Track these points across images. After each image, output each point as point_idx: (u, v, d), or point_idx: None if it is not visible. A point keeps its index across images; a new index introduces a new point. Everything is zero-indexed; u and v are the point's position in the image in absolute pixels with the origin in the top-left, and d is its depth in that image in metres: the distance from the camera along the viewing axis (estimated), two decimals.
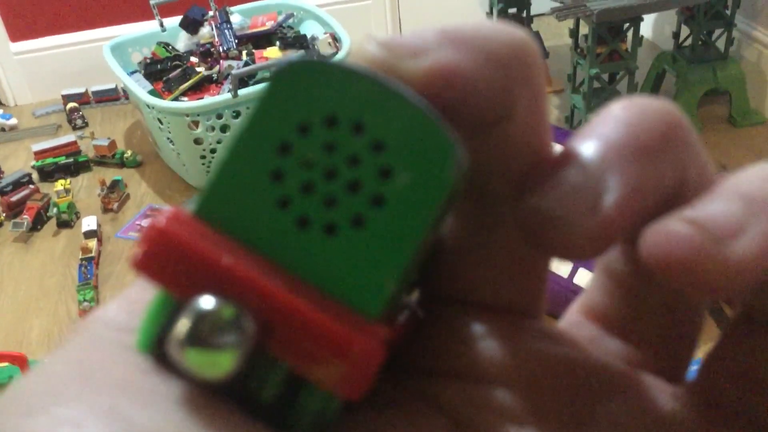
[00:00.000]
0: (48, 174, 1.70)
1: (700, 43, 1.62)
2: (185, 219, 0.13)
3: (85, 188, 1.67)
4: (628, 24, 1.42)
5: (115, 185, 1.61)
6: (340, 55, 1.56)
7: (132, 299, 0.14)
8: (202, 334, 0.12)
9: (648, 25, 1.91)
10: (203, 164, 1.54)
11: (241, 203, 0.13)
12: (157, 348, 0.13)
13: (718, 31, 1.61)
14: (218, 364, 0.12)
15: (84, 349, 0.13)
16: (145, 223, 1.53)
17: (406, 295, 0.15)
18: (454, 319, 0.15)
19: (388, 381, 0.15)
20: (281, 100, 0.13)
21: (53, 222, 1.56)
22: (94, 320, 0.14)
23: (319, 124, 0.13)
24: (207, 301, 0.12)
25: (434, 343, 0.15)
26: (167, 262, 0.13)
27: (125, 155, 1.72)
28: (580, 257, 0.14)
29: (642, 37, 1.43)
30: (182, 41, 1.75)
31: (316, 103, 0.13)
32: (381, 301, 0.13)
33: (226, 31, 1.70)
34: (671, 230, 0.13)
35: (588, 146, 0.14)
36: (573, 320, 0.18)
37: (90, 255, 1.41)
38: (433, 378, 0.15)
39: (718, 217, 0.13)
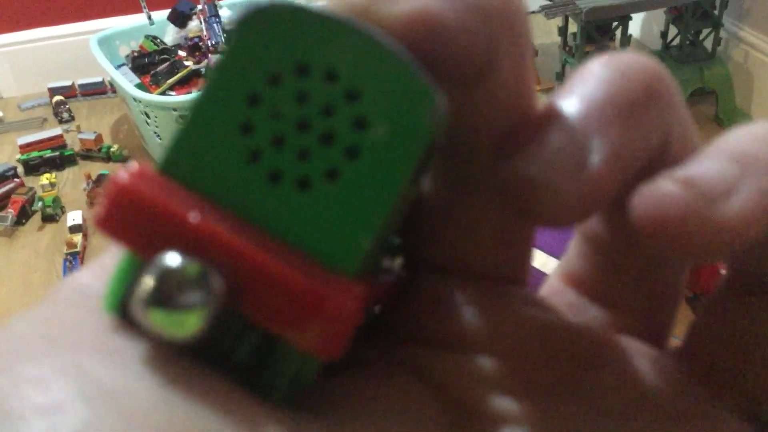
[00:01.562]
0: (33, 167, 1.68)
1: (687, 42, 1.63)
2: (150, 175, 0.12)
3: (70, 182, 1.66)
4: (616, 23, 1.42)
5: (101, 179, 1.59)
6: None
7: (105, 266, 0.14)
8: (167, 293, 0.11)
9: (636, 25, 1.92)
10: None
11: (209, 157, 0.12)
12: (123, 308, 0.13)
13: (705, 31, 1.62)
14: (184, 324, 0.12)
15: (51, 311, 0.13)
16: None
17: (389, 260, 0.15)
18: (438, 286, 0.15)
19: (371, 347, 0.15)
20: (249, 49, 0.12)
21: (38, 216, 1.55)
22: (64, 286, 0.14)
23: (290, 73, 0.12)
24: (172, 258, 0.12)
25: (417, 310, 0.15)
26: (131, 220, 0.12)
27: (111, 149, 1.71)
28: (564, 224, 0.13)
29: (630, 36, 1.44)
30: (170, 35, 1.74)
31: (286, 51, 0.12)
32: (357, 258, 0.12)
33: (214, 25, 1.70)
34: (662, 191, 0.12)
35: (569, 106, 0.13)
36: (554, 287, 0.17)
37: (75, 250, 1.40)
38: (417, 346, 0.15)
39: (710, 176, 0.13)
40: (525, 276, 0.16)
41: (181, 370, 0.12)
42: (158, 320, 0.12)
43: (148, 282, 0.12)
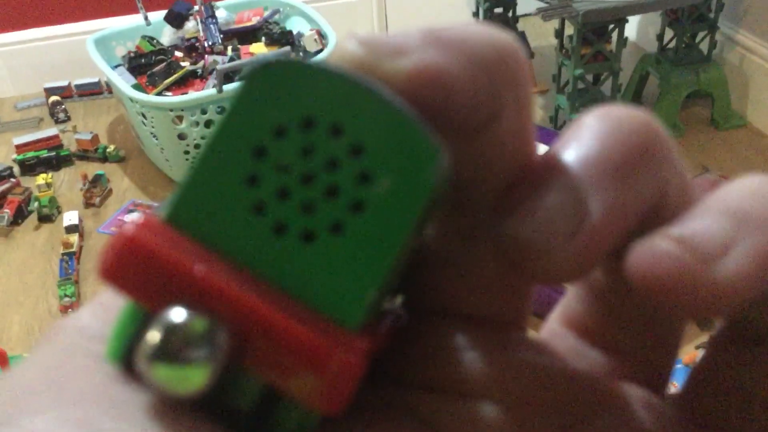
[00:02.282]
0: (29, 168, 1.68)
1: (683, 45, 1.63)
2: (155, 226, 0.12)
3: (66, 182, 1.66)
4: (612, 25, 1.43)
5: (98, 180, 1.59)
6: (325, 52, 1.56)
7: (105, 305, 0.14)
8: (172, 348, 0.12)
9: (632, 27, 1.92)
10: (187, 160, 1.53)
11: (215, 209, 0.13)
12: (126, 359, 0.13)
13: (701, 34, 1.63)
14: (188, 380, 0.12)
15: (55, 358, 0.13)
16: (127, 218, 1.52)
17: (389, 301, 0.15)
18: (438, 331, 0.15)
19: (370, 391, 0.15)
20: (256, 102, 0.13)
21: (34, 216, 1.54)
22: (65, 327, 0.14)
23: (295, 126, 0.13)
24: (178, 314, 0.12)
25: (418, 354, 0.15)
26: (136, 271, 0.12)
27: (108, 150, 1.70)
28: (560, 283, 0.13)
29: (626, 38, 1.44)
30: (167, 35, 1.74)
31: (292, 105, 0.13)
32: (361, 312, 0.12)
33: (211, 25, 1.69)
34: (658, 249, 0.12)
35: (565, 162, 0.13)
36: (553, 330, 0.17)
37: (71, 250, 1.40)
38: (416, 390, 0.15)
39: (705, 234, 0.13)
40: (524, 320, 0.16)
41: (185, 424, 0.12)
42: (163, 375, 0.12)
43: (153, 337, 0.12)
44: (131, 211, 1.54)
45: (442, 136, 0.13)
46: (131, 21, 1.78)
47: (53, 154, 1.69)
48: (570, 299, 0.17)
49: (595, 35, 1.43)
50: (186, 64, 1.63)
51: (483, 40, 0.13)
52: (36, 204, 1.54)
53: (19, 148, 1.70)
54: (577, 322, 0.17)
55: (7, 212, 1.50)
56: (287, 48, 1.53)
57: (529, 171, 0.14)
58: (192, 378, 0.12)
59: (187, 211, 0.13)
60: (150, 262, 0.12)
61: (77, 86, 1.96)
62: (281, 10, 1.81)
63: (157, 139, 1.53)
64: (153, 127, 1.50)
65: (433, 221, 0.15)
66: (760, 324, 0.14)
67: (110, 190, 1.61)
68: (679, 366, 1.09)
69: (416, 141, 0.12)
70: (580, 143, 0.14)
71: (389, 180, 0.12)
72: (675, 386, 0.16)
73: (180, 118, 1.47)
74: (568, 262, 0.13)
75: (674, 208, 0.14)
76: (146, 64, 1.64)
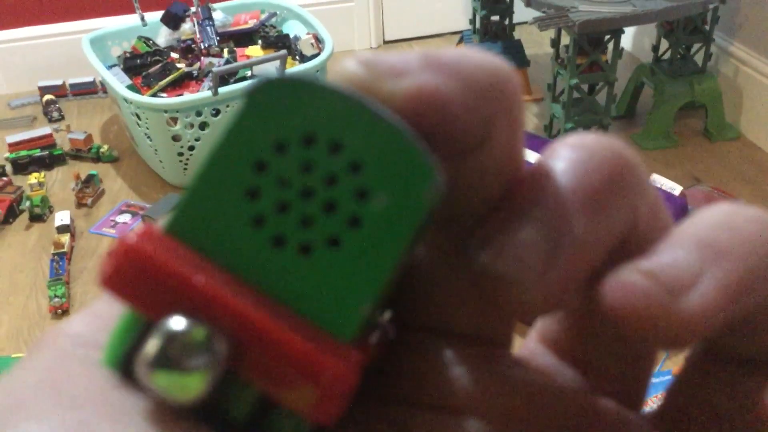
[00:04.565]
0: (22, 166, 1.67)
1: (678, 56, 1.64)
2: (156, 236, 0.13)
3: (59, 182, 1.65)
4: (608, 36, 1.43)
5: (90, 180, 1.59)
6: (322, 57, 1.56)
7: (98, 314, 0.14)
8: (172, 356, 0.12)
9: (628, 38, 1.93)
10: (180, 161, 1.53)
11: (215, 221, 0.13)
12: (124, 366, 0.13)
13: (696, 46, 1.64)
14: (187, 386, 0.12)
15: (51, 363, 0.13)
16: (120, 219, 1.51)
17: (379, 315, 0.15)
18: (425, 347, 0.15)
19: (356, 406, 0.15)
20: (258, 117, 0.13)
21: (26, 215, 1.54)
22: (58, 334, 0.14)
23: (296, 142, 0.13)
24: (178, 322, 0.12)
25: (404, 370, 0.15)
26: (136, 280, 0.12)
27: (101, 150, 1.70)
28: (533, 316, 0.14)
29: (622, 49, 1.45)
30: (163, 36, 1.74)
31: (293, 122, 0.13)
32: (355, 325, 0.13)
33: (208, 27, 1.69)
34: (628, 282, 0.13)
35: (539, 194, 0.14)
36: (532, 348, 0.18)
37: (62, 250, 1.39)
38: (403, 406, 0.15)
39: (674, 267, 0.13)
40: (510, 338, 0.16)
41: (182, 429, 0.12)
42: (163, 382, 0.12)
43: (153, 344, 0.12)
44: (123, 211, 1.54)
45: (435, 155, 0.13)
46: (127, 21, 1.77)
47: (46, 153, 1.69)
48: (547, 319, 0.18)
49: (591, 45, 1.43)
50: (182, 65, 1.63)
51: (479, 65, 0.14)
52: (28, 203, 1.53)
53: (12, 146, 1.69)
54: (553, 340, 0.17)
55: None
56: (284, 51, 1.53)
57: (508, 197, 0.14)
58: (191, 385, 0.12)
59: (188, 221, 0.13)
60: (150, 271, 0.12)
61: (72, 85, 1.96)
62: (278, 13, 1.81)
63: (151, 141, 1.52)
64: (147, 128, 1.50)
65: (424, 238, 0.15)
66: (732, 346, 0.15)
67: (103, 191, 1.60)
68: (668, 377, 1.10)
69: (413, 160, 0.13)
70: (554, 174, 0.14)
71: (386, 197, 0.13)
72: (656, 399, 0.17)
73: (174, 120, 1.47)
74: (540, 297, 0.13)
75: (644, 235, 0.14)
76: (142, 65, 1.64)
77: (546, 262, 0.13)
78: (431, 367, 0.15)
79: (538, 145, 1.22)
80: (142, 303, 0.12)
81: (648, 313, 0.13)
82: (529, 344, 0.18)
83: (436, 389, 0.15)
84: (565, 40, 1.47)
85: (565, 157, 0.14)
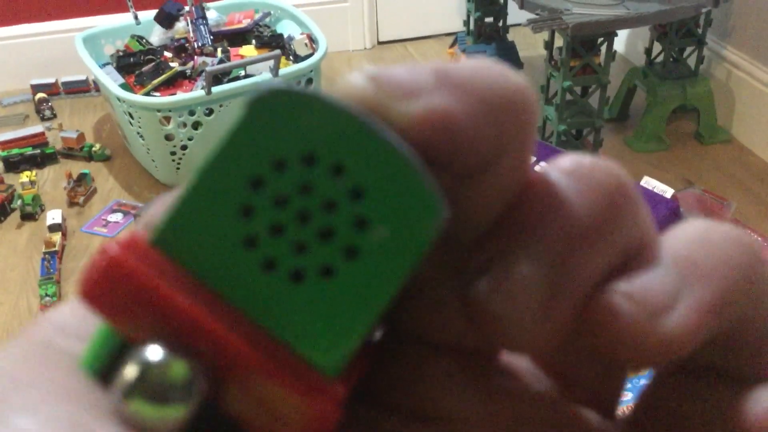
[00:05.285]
0: (13, 165, 1.66)
1: (671, 60, 1.64)
2: (141, 248, 0.12)
3: (51, 180, 1.64)
4: (602, 38, 1.44)
5: (82, 179, 1.58)
6: (316, 57, 1.56)
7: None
8: (149, 388, 0.11)
9: (621, 40, 1.93)
10: (173, 160, 1.52)
11: (205, 237, 0.12)
12: (102, 377, 0.12)
13: (689, 49, 1.64)
14: (163, 418, 0.11)
15: (36, 355, 0.13)
16: (111, 218, 1.51)
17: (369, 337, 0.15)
18: (415, 357, 0.15)
19: (346, 416, 0.15)
20: (258, 130, 0.12)
21: (17, 214, 1.53)
22: (45, 324, 0.14)
23: (296, 161, 0.12)
24: (155, 352, 0.12)
25: (395, 380, 0.15)
26: (116, 295, 0.12)
27: (93, 148, 1.69)
28: (525, 353, 0.14)
29: (615, 51, 1.45)
30: (156, 35, 1.73)
31: (295, 138, 0.12)
32: (340, 360, 0.12)
33: (201, 26, 1.69)
34: (607, 304, 0.13)
35: (539, 226, 0.13)
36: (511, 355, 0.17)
37: (53, 249, 1.38)
38: (393, 415, 0.15)
39: (652, 289, 0.13)
40: (497, 348, 0.16)
41: None
42: (139, 410, 0.12)
43: (130, 373, 0.12)
44: (115, 210, 1.53)
45: (440, 178, 0.13)
46: (121, 20, 1.77)
47: (38, 151, 1.68)
48: None
49: (584, 48, 1.43)
50: (175, 64, 1.63)
51: (493, 84, 0.13)
52: (19, 202, 1.52)
53: (4, 144, 1.68)
54: None
55: None
56: (278, 51, 1.53)
57: (510, 217, 0.14)
58: (167, 416, 0.11)
59: (176, 235, 0.12)
60: (131, 287, 0.12)
61: (64, 84, 1.95)
62: (272, 13, 1.81)
63: (143, 140, 1.52)
64: (140, 127, 1.49)
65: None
66: (705, 359, 0.15)
67: (95, 190, 1.59)
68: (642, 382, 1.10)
69: (418, 192, 0.12)
70: (552, 204, 0.13)
71: (387, 229, 0.12)
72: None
73: (167, 119, 1.46)
74: (534, 340, 0.13)
75: (633, 254, 0.14)
76: (135, 64, 1.63)
77: (544, 305, 0.13)
78: (415, 375, 0.15)
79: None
80: (121, 321, 0.12)
81: (630, 336, 0.13)
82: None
83: (419, 398, 0.15)
84: (559, 42, 1.47)
85: (565, 185, 0.14)
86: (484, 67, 0.13)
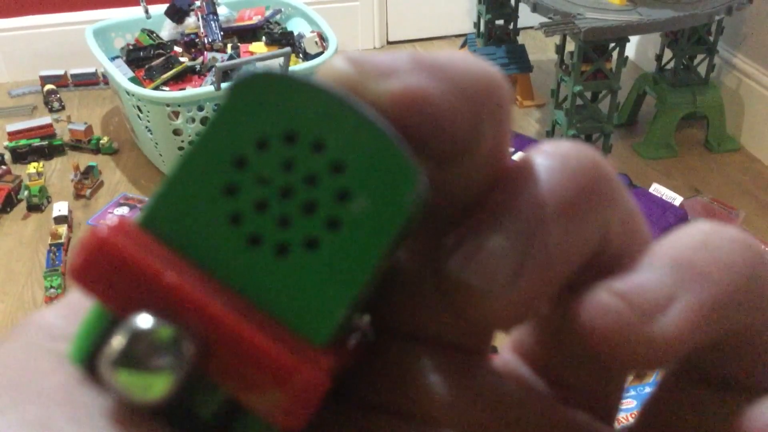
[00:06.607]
0: (21, 155, 1.66)
1: (681, 67, 1.64)
2: (129, 230, 0.12)
3: (58, 172, 1.64)
4: (613, 44, 1.43)
5: (89, 171, 1.58)
6: (326, 55, 1.56)
7: (72, 305, 0.14)
8: (136, 355, 0.12)
9: (631, 46, 1.93)
10: (181, 155, 1.52)
11: (191, 216, 0.13)
12: (90, 361, 0.12)
13: (700, 57, 1.64)
14: (151, 387, 0.12)
15: (16, 356, 0.13)
16: (118, 211, 1.51)
17: (357, 318, 0.15)
18: (402, 355, 0.15)
19: (329, 412, 0.15)
20: (240, 112, 0.13)
21: (23, 205, 1.53)
22: (29, 325, 0.14)
23: (278, 139, 0.13)
24: (144, 320, 0.12)
25: (380, 377, 0.15)
26: (106, 274, 0.12)
27: (101, 141, 1.69)
28: (498, 328, 0.14)
29: (626, 57, 1.45)
30: (167, 30, 1.73)
31: (276, 118, 0.13)
32: (329, 329, 0.12)
33: (212, 22, 1.69)
34: (600, 303, 0.13)
35: (510, 203, 0.13)
36: (507, 358, 0.17)
37: (59, 241, 1.38)
38: (377, 414, 0.15)
39: (647, 289, 0.13)
40: (488, 347, 0.16)
41: (145, 430, 0.12)
42: (126, 381, 0.12)
43: (118, 342, 0.12)
44: (122, 204, 1.53)
45: (420, 159, 0.13)
46: (131, 13, 1.77)
47: (45, 143, 1.68)
48: (521, 330, 0.18)
49: (595, 53, 1.43)
50: (185, 59, 1.63)
51: (468, 69, 0.13)
52: (26, 193, 1.52)
53: (12, 135, 1.68)
54: (526, 352, 0.17)
55: None
56: (287, 49, 1.52)
57: (483, 201, 0.14)
58: (154, 385, 0.12)
59: (163, 216, 0.13)
60: (120, 266, 0.12)
61: (73, 76, 1.95)
62: (283, 10, 1.81)
63: (151, 134, 1.52)
64: (148, 121, 1.49)
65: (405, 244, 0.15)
66: (706, 367, 0.15)
67: (101, 183, 1.60)
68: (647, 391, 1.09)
69: (397, 163, 0.12)
70: (528, 182, 0.14)
71: (368, 200, 0.13)
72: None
73: (176, 114, 1.46)
74: (507, 308, 0.13)
75: (619, 247, 0.14)
76: (144, 58, 1.63)
77: (513, 273, 0.13)
78: (404, 374, 0.15)
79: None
80: (111, 298, 0.12)
81: (619, 336, 0.13)
82: (504, 354, 0.18)
83: (410, 398, 0.15)
84: (570, 46, 1.47)
85: (540, 164, 0.14)
86: (460, 56, 0.14)
